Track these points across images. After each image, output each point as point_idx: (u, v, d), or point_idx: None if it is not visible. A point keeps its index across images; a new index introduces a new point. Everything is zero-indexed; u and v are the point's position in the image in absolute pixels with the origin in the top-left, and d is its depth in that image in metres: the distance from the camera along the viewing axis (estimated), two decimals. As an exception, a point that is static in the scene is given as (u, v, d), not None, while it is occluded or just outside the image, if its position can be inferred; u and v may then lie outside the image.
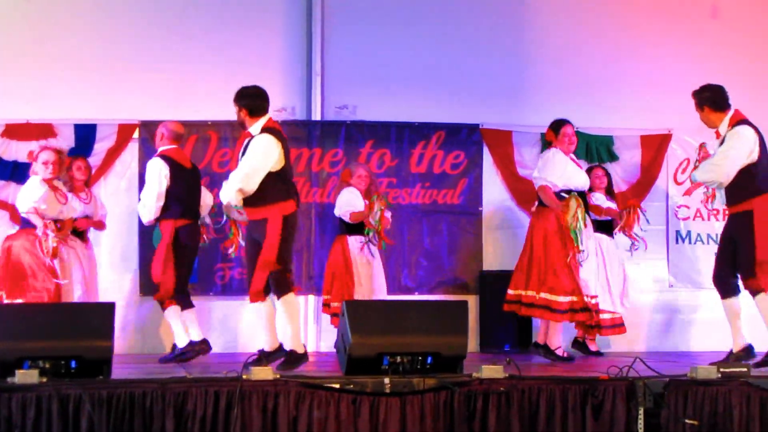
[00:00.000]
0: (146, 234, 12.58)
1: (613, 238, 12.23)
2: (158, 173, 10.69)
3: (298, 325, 10.25)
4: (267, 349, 10.08)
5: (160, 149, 10.96)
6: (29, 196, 11.00)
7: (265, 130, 9.85)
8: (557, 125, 10.99)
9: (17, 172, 12.51)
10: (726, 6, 13.58)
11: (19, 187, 11.99)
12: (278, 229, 9.68)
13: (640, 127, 11.76)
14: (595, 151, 12.81)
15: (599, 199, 11.95)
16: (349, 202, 11.71)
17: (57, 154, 11.28)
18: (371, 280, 11.53)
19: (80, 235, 11.63)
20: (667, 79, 13.25)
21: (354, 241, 11.78)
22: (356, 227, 11.75)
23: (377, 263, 11.76)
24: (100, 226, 11.99)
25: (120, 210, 12.09)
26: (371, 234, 11.58)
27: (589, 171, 11.99)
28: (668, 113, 12.99)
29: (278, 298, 9.83)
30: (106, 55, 12.98)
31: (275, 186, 9.76)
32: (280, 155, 9.79)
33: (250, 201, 9.71)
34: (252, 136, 9.83)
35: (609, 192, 12.26)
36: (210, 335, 11.13)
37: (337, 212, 11.90)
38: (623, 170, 13.23)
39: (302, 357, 9.99)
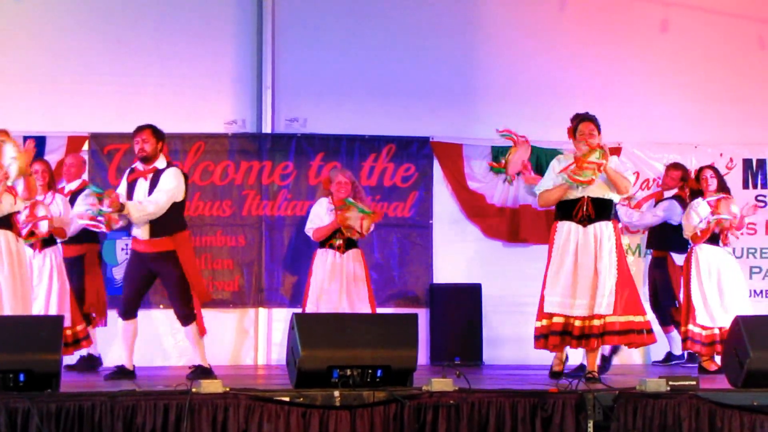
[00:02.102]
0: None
1: None
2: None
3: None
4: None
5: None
6: None
7: (170, 163, 10.23)
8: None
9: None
10: (675, 20, 13.64)
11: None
12: (191, 257, 9.80)
13: None
14: (546, 164, 12.86)
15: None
16: (312, 219, 11.62)
17: None
18: (349, 290, 11.43)
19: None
20: (617, 92, 13.33)
21: (326, 255, 11.62)
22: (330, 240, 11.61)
23: (359, 273, 11.61)
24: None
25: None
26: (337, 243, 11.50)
27: (699, 173, 11.78)
28: (618, 126, 13.02)
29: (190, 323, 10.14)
30: (55, 67, 12.98)
31: (178, 216, 10.05)
32: (184, 186, 10.09)
33: (153, 231, 9.82)
34: (158, 169, 10.06)
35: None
36: (166, 348, 11.07)
37: (309, 226, 11.74)
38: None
39: (210, 371, 10.12)
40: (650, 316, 10.75)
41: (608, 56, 13.56)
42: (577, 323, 9.81)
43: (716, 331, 11.28)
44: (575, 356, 10.56)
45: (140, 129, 10.40)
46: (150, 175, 10.08)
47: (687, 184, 11.96)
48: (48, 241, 11.29)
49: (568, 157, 9.95)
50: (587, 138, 9.74)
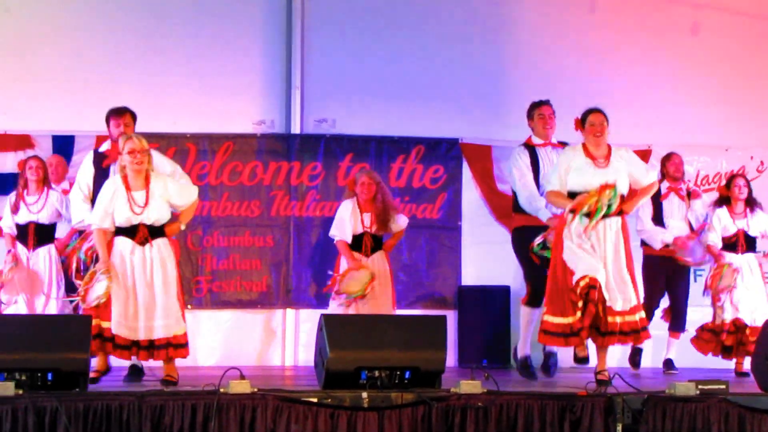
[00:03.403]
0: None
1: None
2: None
3: None
4: None
5: None
6: None
7: None
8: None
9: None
10: (705, 23, 13.60)
11: (1, 199, 12.08)
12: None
13: (622, 142, 11.74)
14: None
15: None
16: (336, 224, 11.46)
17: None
18: (372, 291, 11.37)
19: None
20: (647, 94, 13.30)
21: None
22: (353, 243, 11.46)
23: (383, 275, 11.49)
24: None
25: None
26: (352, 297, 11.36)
27: (731, 180, 11.73)
28: (648, 129, 13.01)
29: None
30: (85, 68, 13.03)
31: None
32: None
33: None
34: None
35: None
36: (194, 348, 11.06)
37: (333, 231, 11.54)
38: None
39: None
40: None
41: (638, 59, 13.53)
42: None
43: None
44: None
45: (122, 112, 10.24)
46: None
47: (718, 188, 11.93)
48: None
49: (575, 149, 9.80)
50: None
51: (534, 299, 10.41)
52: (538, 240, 10.16)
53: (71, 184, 11.32)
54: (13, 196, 11.35)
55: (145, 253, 9.19)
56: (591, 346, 9.98)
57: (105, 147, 10.29)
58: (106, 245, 9.17)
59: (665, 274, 11.85)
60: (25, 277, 11.22)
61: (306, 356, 12.11)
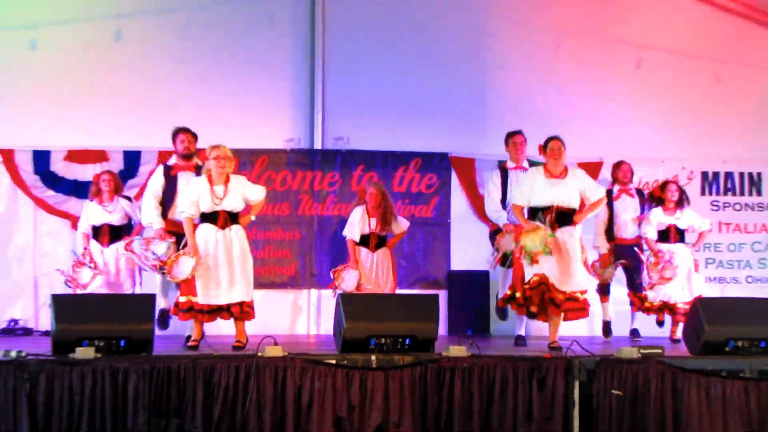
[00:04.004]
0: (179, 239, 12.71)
1: None
2: None
3: None
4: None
5: None
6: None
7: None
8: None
9: (77, 190, 12.59)
10: (647, 59, 13.61)
11: (79, 202, 12.15)
12: None
13: (579, 155, 11.73)
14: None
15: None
16: (348, 227, 11.46)
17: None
18: (377, 277, 11.43)
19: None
20: (600, 116, 13.26)
21: (363, 252, 11.46)
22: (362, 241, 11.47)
23: (385, 265, 11.55)
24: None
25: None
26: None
27: (664, 184, 11.78)
28: (601, 144, 12.99)
29: None
30: (148, 93, 13.03)
31: None
32: None
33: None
34: (199, 165, 10.20)
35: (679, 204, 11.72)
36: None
37: (345, 231, 11.53)
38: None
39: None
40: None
41: (593, 87, 13.50)
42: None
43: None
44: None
45: (185, 131, 10.54)
46: (193, 171, 10.26)
47: (653, 190, 11.95)
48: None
49: (538, 170, 10.00)
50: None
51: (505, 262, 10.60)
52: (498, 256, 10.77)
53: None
54: (87, 202, 11.37)
55: (225, 235, 9.52)
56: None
57: (172, 161, 10.55)
58: (192, 231, 9.47)
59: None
60: (101, 269, 11.22)
61: (326, 327, 12.11)
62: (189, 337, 10.10)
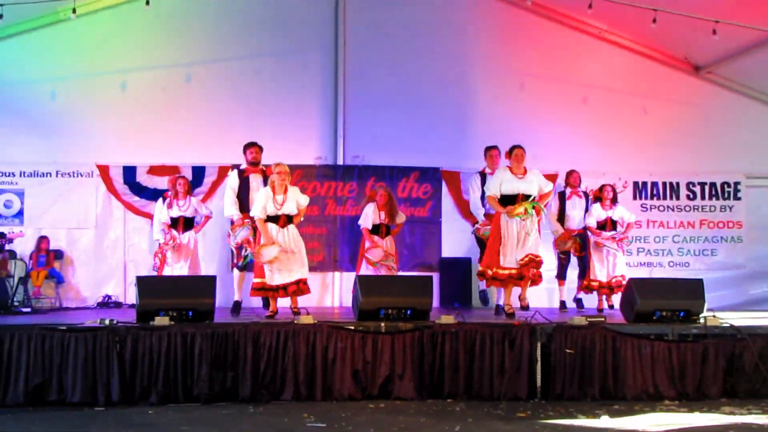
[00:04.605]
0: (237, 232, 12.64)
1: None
2: None
3: None
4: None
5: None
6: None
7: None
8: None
9: (156, 196, 12.52)
10: (592, 95, 13.55)
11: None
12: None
13: (540, 167, 11.56)
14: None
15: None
16: (363, 218, 11.42)
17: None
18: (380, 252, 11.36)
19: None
20: (556, 139, 13.13)
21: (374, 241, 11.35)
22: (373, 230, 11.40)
23: (393, 248, 11.42)
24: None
25: (216, 219, 11.95)
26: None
27: (602, 187, 11.80)
28: (556, 161, 12.87)
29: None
30: (212, 123, 13.01)
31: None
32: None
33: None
34: (264, 169, 10.39)
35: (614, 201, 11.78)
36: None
37: (360, 221, 11.50)
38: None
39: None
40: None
41: (550, 117, 13.39)
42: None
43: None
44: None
45: (253, 144, 10.57)
46: (260, 174, 10.28)
47: (594, 192, 11.92)
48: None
49: (505, 170, 9.97)
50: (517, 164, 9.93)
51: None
52: (483, 229, 10.66)
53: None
54: (164, 200, 11.35)
55: (284, 233, 9.59)
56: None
57: (243, 166, 10.55)
58: (266, 228, 9.55)
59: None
60: (178, 250, 11.21)
61: (347, 301, 12.05)
62: (237, 302, 10.53)
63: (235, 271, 10.62)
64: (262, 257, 9.47)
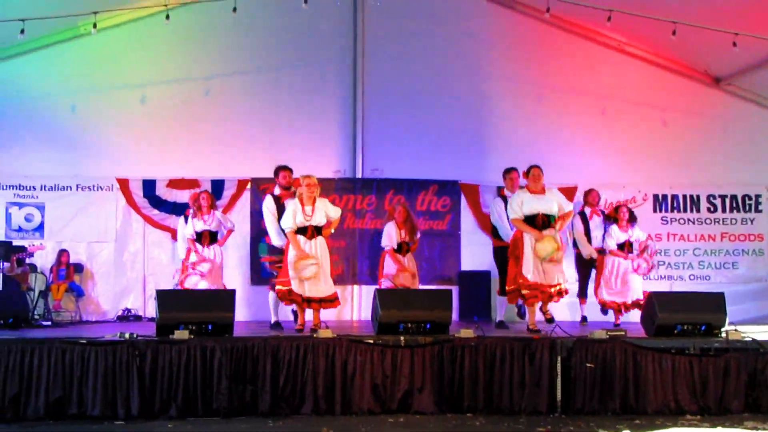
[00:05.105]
0: (254, 246, 12.72)
1: None
2: None
3: None
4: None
5: None
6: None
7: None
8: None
9: (176, 209, 12.63)
10: (610, 107, 13.52)
11: (177, 219, 12.21)
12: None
13: (559, 181, 11.60)
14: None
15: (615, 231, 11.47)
16: (384, 238, 11.44)
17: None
18: (408, 277, 11.34)
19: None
20: (576, 152, 13.15)
21: (395, 257, 11.39)
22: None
23: (412, 264, 11.47)
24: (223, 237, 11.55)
25: (237, 232, 11.98)
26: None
27: (617, 208, 11.67)
28: (575, 173, 12.89)
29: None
30: (231, 136, 13.06)
31: None
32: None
33: None
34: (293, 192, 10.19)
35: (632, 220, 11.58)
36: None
37: (383, 241, 11.50)
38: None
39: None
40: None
41: (569, 129, 13.39)
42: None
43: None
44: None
45: (284, 168, 10.59)
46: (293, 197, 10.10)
47: (609, 212, 11.82)
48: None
49: (523, 191, 9.98)
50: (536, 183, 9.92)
51: (503, 291, 10.39)
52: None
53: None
54: (189, 215, 11.29)
55: (311, 244, 9.66)
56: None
57: (277, 192, 10.55)
58: (297, 241, 9.65)
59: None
60: (204, 264, 11.19)
61: (366, 314, 12.05)
62: (277, 323, 10.62)
63: (271, 293, 10.61)
64: (300, 272, 9.52)
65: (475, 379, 8.47)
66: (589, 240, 11.69)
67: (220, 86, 13.16)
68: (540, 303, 9.92)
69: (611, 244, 11.35)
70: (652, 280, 12.59)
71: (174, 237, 12.45)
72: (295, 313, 10.12)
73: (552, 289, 9.82)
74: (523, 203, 9.85)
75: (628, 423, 8.01)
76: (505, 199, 10.77)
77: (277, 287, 9.77)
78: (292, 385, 8.31)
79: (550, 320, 9.91)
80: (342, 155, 13.36)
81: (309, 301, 9.65)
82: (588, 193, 11.93)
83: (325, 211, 9.78)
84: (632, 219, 11.48)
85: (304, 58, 13.24)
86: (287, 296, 9.67)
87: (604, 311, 11.52)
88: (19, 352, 8.12)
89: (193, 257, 11.05)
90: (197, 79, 13.16)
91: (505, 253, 10.28)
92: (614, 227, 11.38)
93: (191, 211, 11.24)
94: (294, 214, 9.64)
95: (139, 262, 12.92)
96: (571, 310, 12.27)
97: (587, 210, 11.81)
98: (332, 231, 10.02)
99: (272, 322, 10.69)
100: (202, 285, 10.87)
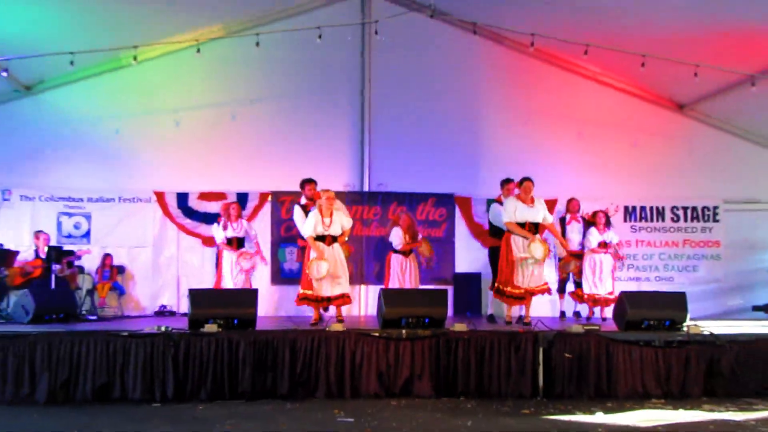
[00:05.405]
0: (274, 251, 12.75)
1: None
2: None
3: None
4: None
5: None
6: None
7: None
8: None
9: (206, 218, 12.68)
10: (586, 130, 13.55)
11: (208, 227, 12.26)
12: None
13: (543, 192, 11.52)
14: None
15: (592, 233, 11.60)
16: (394, 240, 11.43)
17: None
18: (409, 278, 11.39)
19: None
20: (557, 169, 13.07)
21: (398, 259, 11.45)
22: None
23: (413, 269, 11.49)
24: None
25: (259, 238, 11.97)
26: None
27: (595, 213, 11.74)
28: (556, 187, 12.86)
29: None
30: (254, 154, 13.09)
31: None
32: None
33: None
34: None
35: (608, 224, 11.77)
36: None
37: (392, 238, 11.52)
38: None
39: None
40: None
41: (552, 149, 13.36)
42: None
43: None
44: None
45: (311, 181, 10.53)
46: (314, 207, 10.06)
47: (588, 218, 11.87)
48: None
49: (516, 198, 10.00)
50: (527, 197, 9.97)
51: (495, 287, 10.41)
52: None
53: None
54: (220, 223, 11.29)
55: (328, 250, 9.68)
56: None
57: (303, 201, 10.54)
58: (316, 245, 9.66)
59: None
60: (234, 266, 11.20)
61: (372, 311, 12.07)
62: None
63: None
64: (315, 272, 9.55)
65: (468, 368, 8.48)
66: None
67: (244, 111, 13.19)
68: (521, 306, 10.01)
69: (592, 242, 11.48)
70: (622, 281, 12.65)
71: (204, 243, 12.51)
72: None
73: (538, 289, 9.88)
74: (516, 210, 9.90)
75: (601, 406, 8.02)
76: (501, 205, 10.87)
77: (299, 292, 9.80)
78: (307, 372, 8.33)
79: (527, 324, 9.87)
80: (351, 171, 13.38)
81: (328, 300, 9.68)
82: (569, 202, 11.97)
83: (341, 222, 9.83)
84: (608, 223, 11.65)
85: (319, 87, 13.26)
86: (306, 300, 9.71)
87: (582, 303, 11.55)
88: (68, 343, 8.18)
89: (226, 263, 11.15)
90: (224, 105, 13.19)
91: (497, 254, 10.34)
92: (593, 229, 11.48)
93: (222, 219, 11.30)
94: (315, 224, 9.68)
95: (174, 265, 12.94)
96: (552, 307, 12.29)
97: (567, 216, 11.87)
98: (346, 239, 10.06)
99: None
100: (240, 282, 11.00)
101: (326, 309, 9.87)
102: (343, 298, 9.75)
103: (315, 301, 9.68)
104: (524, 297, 9.90)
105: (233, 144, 13.11)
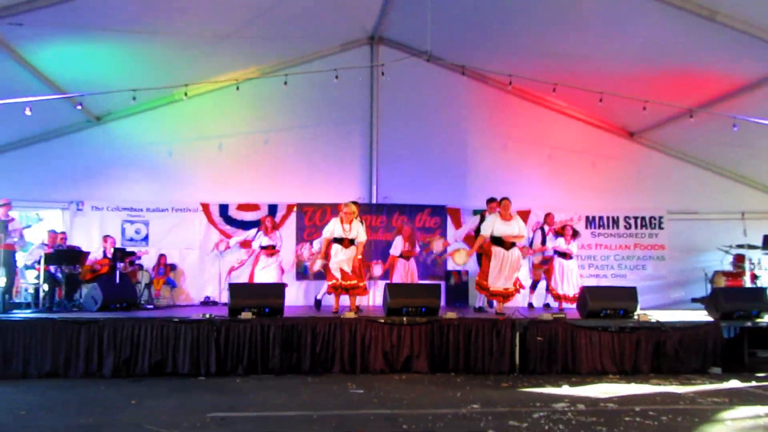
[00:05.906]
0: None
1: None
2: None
3: None
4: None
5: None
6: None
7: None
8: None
9: (243, 225, 12.64)
10: (554, 154, 13.51)
11: (244, 233, 12.22)
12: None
13: (517, 207, 11.44)
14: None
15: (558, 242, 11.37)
16: (394, 249, 11.46)
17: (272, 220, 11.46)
18: (410, 275, 11.35)
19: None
20: (530, 184, 13.08)
21: (401, 261, 11.42)
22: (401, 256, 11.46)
23: (413, 267, 11.46)
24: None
25: (285, 243, 11.99)
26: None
27: (564, 227, 11.49)
28: (530, 200, 12.86)
29: None
30: (283, 172, 13.02)
31: None
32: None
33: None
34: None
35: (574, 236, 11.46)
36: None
37: (391, 250, 11.55)
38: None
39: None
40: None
41: (526, 169, 13.31)
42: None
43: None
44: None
45: (348, 203, 10.20)
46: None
47: (557, 229, 11.74)
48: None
49: (496, 215, 9.85)
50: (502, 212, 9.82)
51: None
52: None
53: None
54: (258, 231, 11.34)
55: (346, 251, 9.65)
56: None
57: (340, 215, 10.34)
58: (327, 246, 9.72)
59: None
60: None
61: (378, 302, 12.00)
62: (319, 301, 10.45)
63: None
64: (314, 265, 9.56)
65: (457, 348, 8.48)
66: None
67: (275, 137, 13.16)
68: (497, 302, 9.92)
69: (559, 247, 11.38)
70: (584, 278, 12.58)
71: (241, 245, 12.46)
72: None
73: (512, 288, 9.78)
74: (494, 226, 9.77)
75: (567, 380, 8.01)
76: (483, 218, 10.82)
77: (328, 284, 9.76)
78: (325, 352, 8.32)
79: (500, 313, 9.82)
80: (361, 186, 13.31)
81: (346, 289, 9.64)
82: (547, 216, 11.92)
83: (358, 229, 9.81)
84: (575, 235, 11.45)
85: (335, 118, 13.23)
86: (334, 289, 9.68)
87: (556, 301, 11.47)
88: (130, 327, 8.19)
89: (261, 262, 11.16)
90: (259, 132, 13.16)
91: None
92: (561, 239, 11.39)
93: (262, 230, 11.35)
94: (333, 230, 9.71)
95: (216, 264, 12.86)
96: (524, 299, 12.25)
97: (546, 227, 11.79)
98: (359, 257, 9.87)
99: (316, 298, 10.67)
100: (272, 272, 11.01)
101: (347, 292, 9.72)
102: (358, 289, 9.71)
103: (340, 288, 9.63)
104: (501, 294, 9.82)
105: (266, 164, 13.08)
